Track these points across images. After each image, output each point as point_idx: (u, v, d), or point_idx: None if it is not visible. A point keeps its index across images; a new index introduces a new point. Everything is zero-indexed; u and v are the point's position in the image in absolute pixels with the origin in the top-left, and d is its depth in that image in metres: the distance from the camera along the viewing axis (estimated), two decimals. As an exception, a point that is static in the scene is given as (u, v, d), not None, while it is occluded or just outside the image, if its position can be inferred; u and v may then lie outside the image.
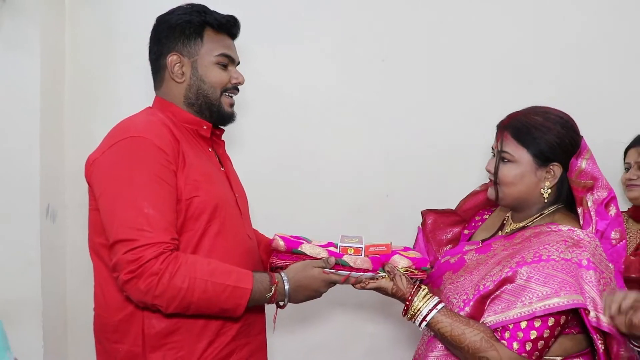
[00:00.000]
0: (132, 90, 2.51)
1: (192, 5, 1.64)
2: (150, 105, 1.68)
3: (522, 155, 1.58)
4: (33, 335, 2.32)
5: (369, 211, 2.51)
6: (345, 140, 2.56)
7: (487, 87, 2.52)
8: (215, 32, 1.62)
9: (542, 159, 1.57)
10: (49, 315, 2.42)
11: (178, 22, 1.61)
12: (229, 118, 1.69)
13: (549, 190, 1.59)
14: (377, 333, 2.57)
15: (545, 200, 1.60)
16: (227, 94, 1.66)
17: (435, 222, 1.92)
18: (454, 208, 1.93)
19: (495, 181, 1.62)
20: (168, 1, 1.77)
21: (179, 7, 1.65)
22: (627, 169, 2.29)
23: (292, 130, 2.55)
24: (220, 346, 1.54)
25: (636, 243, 2.15)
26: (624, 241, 1.57)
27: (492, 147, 1.67)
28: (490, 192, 1.66)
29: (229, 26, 1.65)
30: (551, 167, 1.58)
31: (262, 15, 2.50)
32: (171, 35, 1.61)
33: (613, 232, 1.56)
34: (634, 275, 1.93)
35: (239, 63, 1.71)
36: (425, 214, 1.94)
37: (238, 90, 1.70)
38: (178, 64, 1.61)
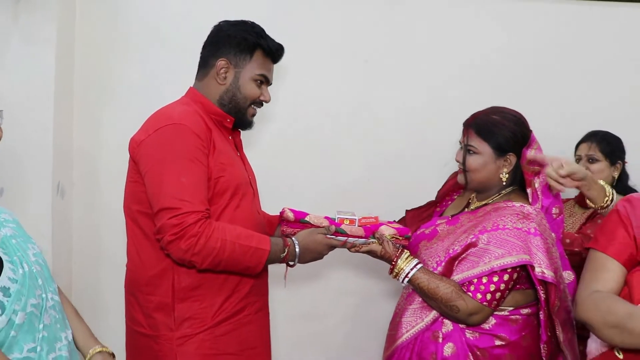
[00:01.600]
0: (136, 80, 2.74)
1: (253, 26, 1.88)
2: (184, 95, 1.93)
3: (484, 148, 1.91)
4: None
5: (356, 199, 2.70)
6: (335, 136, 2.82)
7: (459, 88, 2.79)
8: (264, 55, 1.86)
9: (500, 151, 1.91)
10: (57, 282, 2.63)
11: (237, 35, 1.84)
12: (248, 125, 1.94)
13: (507, 175, 1.93)
14: (365, 289, 2.84)
15: (504, 183, 1.94)
16: (253, 106, 1.90)
17: (412, 216, 2.24)
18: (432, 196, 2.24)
19: (464, 169, 1.95)
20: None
21: (243, 22, 1.89)
22: (577, 161, 2.60)
23: (284, 126, 2.79)
24: (235, 301, 1.81)
25: (580, 224, 2.48)
26: (562, 215, 1.93)
27: (460, 141, 2.00)
28: (460, 178, 1.99)
29: (276, 54, 1.89)
30: (507, 156, 1.92)
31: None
32: (227, 43, 1.84)
33: (554, 209, 1.91)
34: (577, 249, 2.24)
35: (271, 84, 1.94)
36: (407, 212, 2.25)
37: (262, 105, 1.94)
38: (224, 69, 1.85)
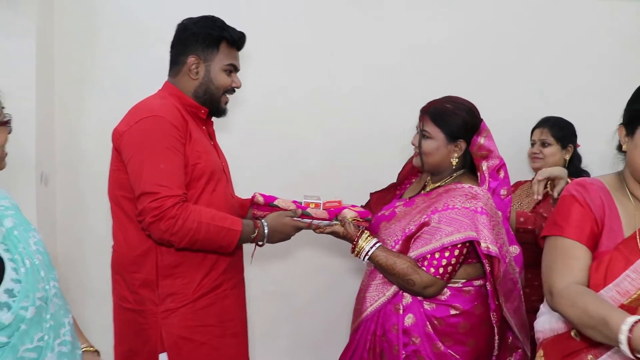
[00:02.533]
0: (115, 71, 2.84)
1: (215, 20, 2.02)
2: (161, 89, 2.05)
3: (437, 134, 2.07)
4: None
5: (321, 183, 2.88)
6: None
7: (418, 76, 2.94)
8: (229, 45, 2.01)
9: (452, 137, 2.07)
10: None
11: (201, 31, 1.98)
12: (222, 113, 2.09)
13: (457, 160, 2.10)
14: (331, 267, 3.00)
15: (454, 167, 2.10)
16: (226, 94, 2.05)
17: (377, 198, 2.39)
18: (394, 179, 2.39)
19: (419, 152, 2.11)
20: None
21: (204, 18, 2.02)
22: (532, 145, 2.77)
23: (254, 114, 2.92)
24: (214, 277, 1.96)
25: (535, 204, 2.62)
26: (509, 196, 2.09)
27: (417, 127, 2.14)
28: (416, 161, 2.14)
29: (239, 42, 2.04)
30: (458, 142, 2.08)
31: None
32: (194, 40, 1.99)
33: (502, 190, 2.08)
34: (530, 227, 2.38)
35: (239, 70, 2.09)
36: (371, 194, 2.40)
37: (234, 92, 2.08)
38: (195, 64, 1.99)
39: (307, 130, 2.97)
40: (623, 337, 1.29)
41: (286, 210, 2.06)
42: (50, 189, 2.84)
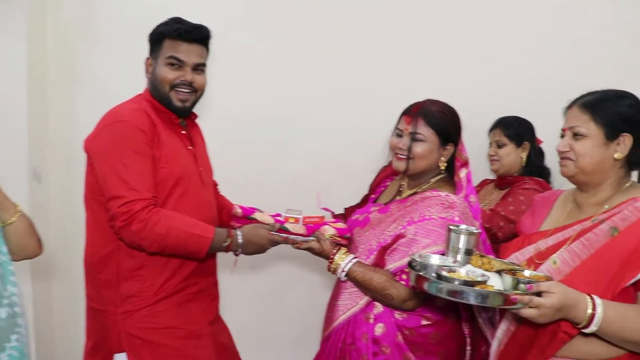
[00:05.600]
0: (108, 68, 2.84)
1: (170, 19, 2.00)
2: (140, 92, 2.06)
3: (431, 136, 1.99)
4: (22, 278, 2.57)
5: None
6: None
7: (397, 80, 2.86)
8: (172, 40, 1.96)
9: (445, 140, 2.01)
10: (36, 262, 2.79)
11: (152, 32, 2.01)
12: (180, 111, 2.02)
13: (445, 163, 2.03)
14: (308, 280, 2.99)
15: (442, 170, 2.04)
16: (176, 89, 1.98)
17: (351, 213, 2.32)
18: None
19: (408, 156, 2.00)
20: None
21: (166, 20, 2.00)
22: (490, 146, 2.74)
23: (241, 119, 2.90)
24: (176, 282, 1.97)
25: (494, 204, 2.61)
26: (477, 203, 2.04)
27: (400, 129, 2.03)
28: (399, 165, 2.02)
29: (185, 34, 1.96)
30: (448, 146, 2.02)
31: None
32: (149, 42, 2.03)
33: (471, 197, 2.02)
34: (486, 226, 2.36)
35: (200, 65, 2.00)
36: (346, 210, 2.33)
37: (190, 87, 1.99)
38: (149, 64, 2.03)
39: (294, 133, 2.94)
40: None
41: (264, 223, 2.05)
42: (44, 186, 2.87)
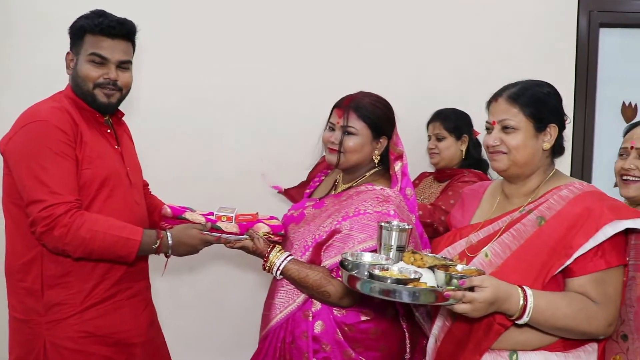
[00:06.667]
0: (25, 65, 2.73)
1: (92, 12, 1.90)
2: (62, 90, 1.95)
3: (363, 130, 1.96)
4: None
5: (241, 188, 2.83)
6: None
7: (331, 73, 2.84)
8: (94, 35, 1.86)
9: (377, 133, 1.98)
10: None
11: (73, 25, 1.90)
12: (104, 109, 1.92)
13: (378, 157, 2.01)
14: (245, 279, 2.93)
15: (376, 164, 2.02)
16: (100, 88, 1.88)
17: (296, 194, 2.34)
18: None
19: (340, 149, 1.98)
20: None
21: (88, 13, 1.90)
22: (429, 139, 2.74)
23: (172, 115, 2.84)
24: (105, 288, 1.89)
25: (435, 197, 2.61)
26: (414, 196, 2.03)
27: (331, 122, 2.01)
28: (331, 158, 2.00)
29: (107, 30, 1.85)
30: (381, 139, 2.00)
31: None
32: (70, 36, 1.92)
33: (407, 189, 2.00)
34: (428, 220, 2.39)
35: (125, 62, 1.91)
36: (286, 190, 2.35)
37: (114, 86, 1.89)
38: (69, 60, 1.93)
39: (226, 128, 2.89)
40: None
41: (195, 223, 1.98)
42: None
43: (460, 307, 1.47)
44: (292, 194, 2.37)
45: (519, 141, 1.64)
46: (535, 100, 1.65)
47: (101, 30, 1.86)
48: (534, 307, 1.50)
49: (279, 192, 2.31)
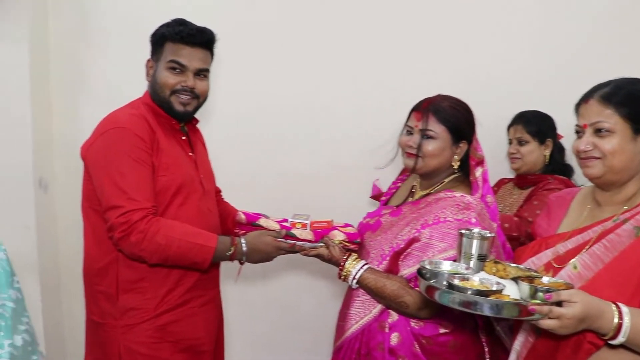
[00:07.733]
0: (112, 73, 2.79)
1: (173, 20, 1.93)
2: (140, 96, 1.99)
3: (443, 133, 1.89)
4: (32, 289, 2.64)
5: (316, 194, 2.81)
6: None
7: (404, 76, 2.79)
8: (174, 43, 1.89)
9: (457, 137, 1.90)
10: (45, 272, 2.77)
11: (154, 34, 1.94)
12: (180, 116, 1.95)
13: (458, 162, 1.93)
14: (318, 287, 2.91)
15: (455, 170, 1.93)
16: (177, 95, 1.91)
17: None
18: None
19: (418, 153, 1.90)
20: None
21: (169, 21, 1.94)
22: (509, 144, 2.60)
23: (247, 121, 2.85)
24: (179, 294, 1.90)
25: (518, 205, 2.47)
26: (495, 203, 1.93)
27: (410, 125, 1.94)
28: (408, 163, 1.94)
29: (187, 38, 1.88)
30: (461, 144, 1.92)
31: None
32: (150, 44, 1.96)
33: (488, 197, 1.91)
34: (514, 234, 2.24)
35: (202, 70, 1.93)
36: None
37: (191, 93, 1.92)
38: (150, 67, 1.97)
39: (300, 135, 2.88)
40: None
41: (270, 230, 1.97)
42: (50, 195, 2.84)
43: (547, 323, 1.37)
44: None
45: (614, 145, 1.50)
46: (631, 99, 1.50)
47: (181, 38, 1.89)
48: (631, 327, 1.37)
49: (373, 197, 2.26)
